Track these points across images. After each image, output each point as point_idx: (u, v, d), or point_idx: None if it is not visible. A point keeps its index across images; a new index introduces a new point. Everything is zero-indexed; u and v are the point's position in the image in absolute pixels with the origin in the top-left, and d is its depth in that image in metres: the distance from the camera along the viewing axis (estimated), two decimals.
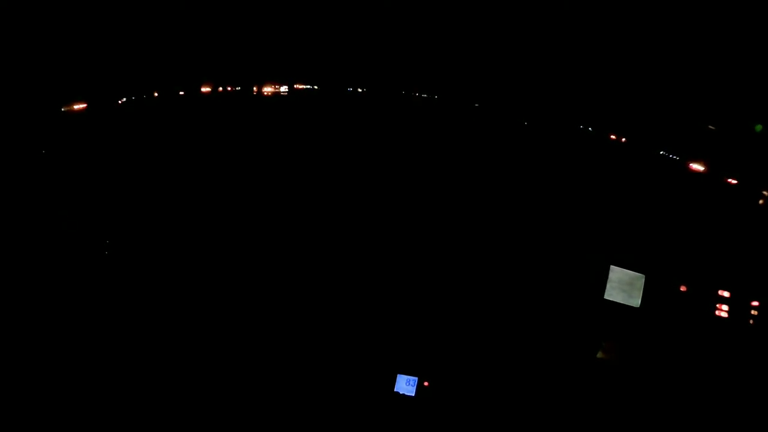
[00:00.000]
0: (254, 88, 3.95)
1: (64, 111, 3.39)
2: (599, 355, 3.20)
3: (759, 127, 3.25)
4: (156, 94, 3.67)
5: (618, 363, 3.20)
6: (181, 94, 3.74)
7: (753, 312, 3.23)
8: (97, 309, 3.10)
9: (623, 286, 3.24)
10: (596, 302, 3.24)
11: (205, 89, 3.78)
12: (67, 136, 3.36)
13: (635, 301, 3.23)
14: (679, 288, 3.27)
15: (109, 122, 3.48)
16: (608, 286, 3.22)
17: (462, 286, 3.32)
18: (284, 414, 3.05)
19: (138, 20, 3.45)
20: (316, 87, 4.03)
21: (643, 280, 3.22)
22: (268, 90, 3.95)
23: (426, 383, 3.20)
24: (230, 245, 3.38)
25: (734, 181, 3.38)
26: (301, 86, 4.02)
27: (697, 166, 3.43)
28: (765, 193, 3.35)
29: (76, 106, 3.42)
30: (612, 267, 3.20)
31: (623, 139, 3.62)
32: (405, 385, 3.16)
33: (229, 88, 3.87)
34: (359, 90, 4.09)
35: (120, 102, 3.54)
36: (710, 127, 3.44)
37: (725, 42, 3.17)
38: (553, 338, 3.22)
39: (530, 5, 3.52)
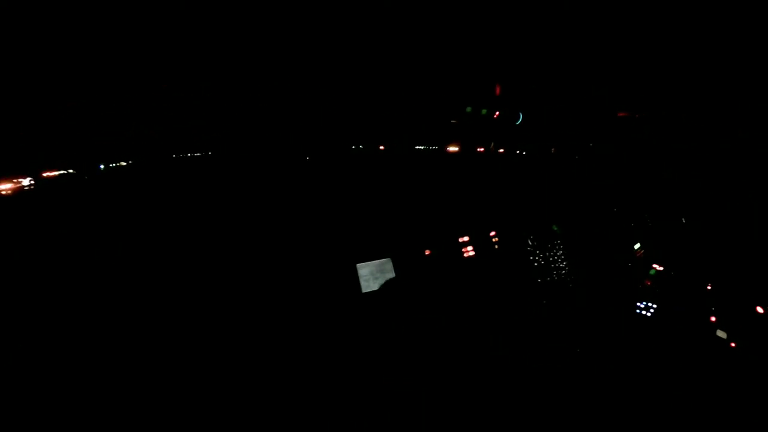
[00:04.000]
0: None
1: None
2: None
3: (469, 109, 3.80)
4: None
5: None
6: None
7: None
8: None
9: (376, 275, 3.25)
10: (359, 300, 3.17)
11: None
12: None
13: None
14: (424, 253, 3.39)
15: None
16: (362, 281, 3.20)
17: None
18: None
19: None
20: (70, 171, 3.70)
21: (391, 262, 3.28)
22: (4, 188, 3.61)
23: None
24: None
25: (482, 150, 3.84)
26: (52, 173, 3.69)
27: (452, 148, 3.81)
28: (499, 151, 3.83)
29: None
30: (357, 265, 3.22)
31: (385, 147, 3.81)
32: None
33: None
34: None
35: None
36: (452, 121, 3.91)
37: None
38: (336, 351, 3.01)
39: None
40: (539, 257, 3.64)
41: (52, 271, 2.86)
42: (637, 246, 4.04)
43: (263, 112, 3.39)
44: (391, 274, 3.26)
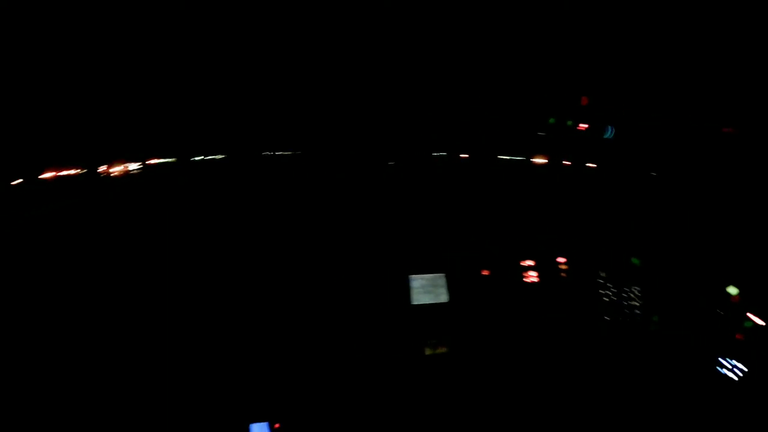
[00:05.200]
0: (101, 169, 3.77)
1: None
2: (428, 352, 3.17)
3: (552, 120, 3.47)
4: None
5: (448, 354, 3.17)
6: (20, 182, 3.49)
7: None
8: None
9: (428, 289, 3.24)
10: (408, 309, 3.22)
11: (46, 175, 3.59)
12: None
13: (443, 298, 3.24)
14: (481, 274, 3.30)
15: None
16: (414, 293, 3.22)
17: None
18: None
19: None
20: (173, 159, 3.84)
21: (444, 278, 3.24)
22: (117, 170, 3.81)
23: (277, 425, 3.09)
24: None
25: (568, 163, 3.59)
26: (155, 161, 3.85)
27: (539, 160, 3.60)
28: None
29: None
30: (411, 276, 3.23)
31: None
32: None
33: (73, 172, 3.68)
34: (218, 156, 4.02)
35: None
36: (539, 133, 3.65)
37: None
38: (382, 350, 3.15)
39: None
40: (611, 292, 3.35)
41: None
42: (733, 291, 3.54)
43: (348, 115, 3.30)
44: (443, 290, 3.22)
